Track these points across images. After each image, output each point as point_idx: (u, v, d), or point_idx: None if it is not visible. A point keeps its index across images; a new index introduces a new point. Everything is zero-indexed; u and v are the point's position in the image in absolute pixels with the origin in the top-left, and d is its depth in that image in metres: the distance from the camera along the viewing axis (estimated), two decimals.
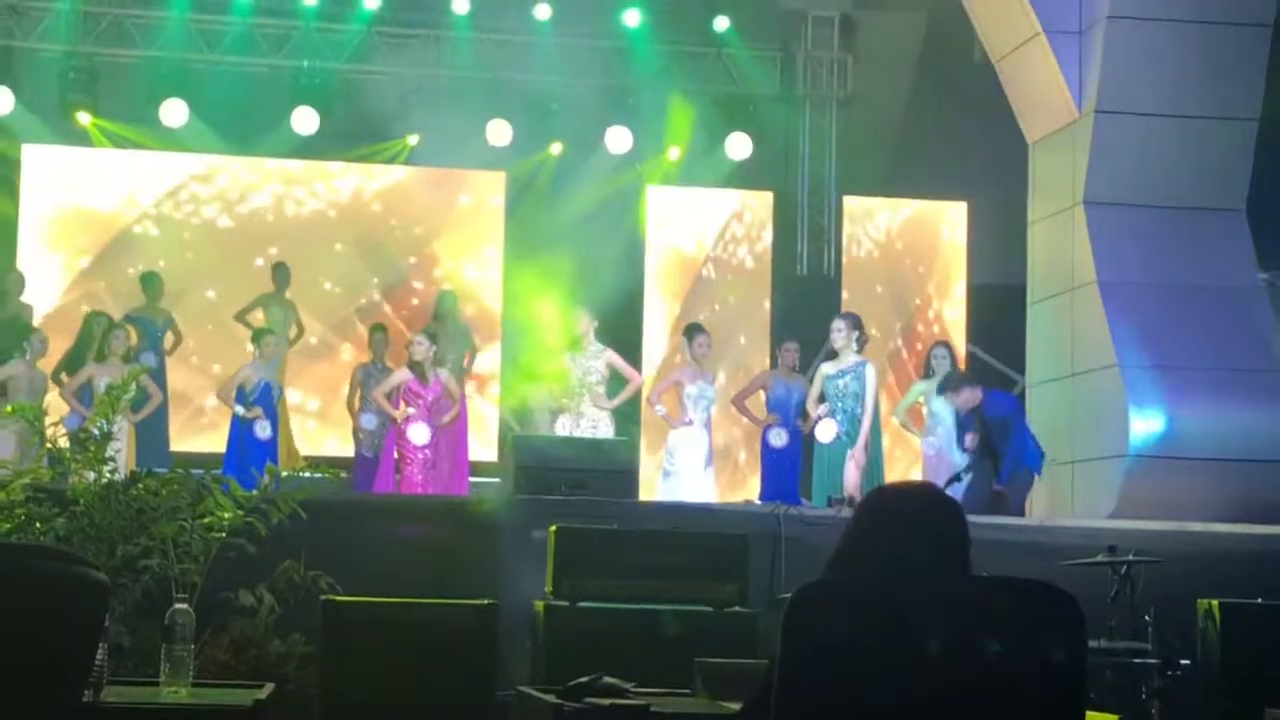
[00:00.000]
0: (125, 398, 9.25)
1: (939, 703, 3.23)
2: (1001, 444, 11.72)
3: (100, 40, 15.51)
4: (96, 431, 8.78)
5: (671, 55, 16.16)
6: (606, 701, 4.85)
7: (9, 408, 9.84)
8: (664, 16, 15.86)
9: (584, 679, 5.00)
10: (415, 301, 16.25)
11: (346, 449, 14.29)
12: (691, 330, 13.43)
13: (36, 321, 14.23)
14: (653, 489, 13.08)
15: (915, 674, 3.23)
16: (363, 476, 13.40)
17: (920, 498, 3.65)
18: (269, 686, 5.24)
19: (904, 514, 3.56)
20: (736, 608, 8.32)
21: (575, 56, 16.08)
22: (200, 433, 15.49)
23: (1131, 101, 12.41)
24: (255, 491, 8.88)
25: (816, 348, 14.19)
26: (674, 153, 16.24)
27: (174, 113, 15.36)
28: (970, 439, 11.95)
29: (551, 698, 5.06)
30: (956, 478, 8.89)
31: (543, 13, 15.81)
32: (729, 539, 8.59)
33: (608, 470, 9.96)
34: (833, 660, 3.24)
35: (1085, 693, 3.36)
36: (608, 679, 5.01)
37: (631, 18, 15.86)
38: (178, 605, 4.71)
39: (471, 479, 13.80)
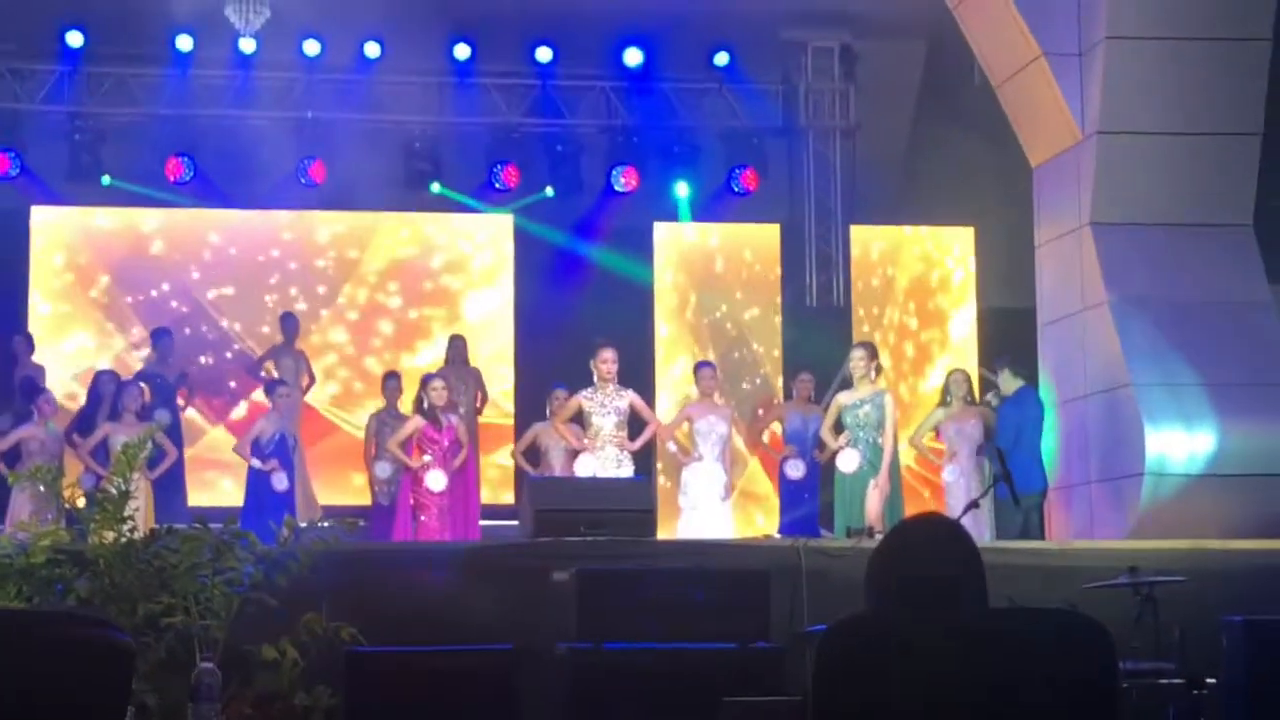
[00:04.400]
0: (141, 455, 9.30)
1: None
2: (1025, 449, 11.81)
3: (105, 100, 15.58)
4: (114, 490, 8.82)
5: (673, 92, 16.21)
6: None
7: (29, 469, 9.90)
8: (664, 54, 15.92)
9: None
10: (426, 347, 16.26)
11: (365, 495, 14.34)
12: (699, 365, 13.49)
13: (47, 383, 14.25)
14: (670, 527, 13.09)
15: (947, 707, 3.23)
16: (380, 525, 13.40)
17: (936, 529, 3.65)
18: None
19: (923, 546, 3.56)
20: (760, 643, 8.31)
21: (578, 97, 16.16)
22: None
23: (1134, 121, 12.41)
24: (275, 545, 8.92)
25: (829, 378, 14.21)
26: (680, 189, 16.26)
27: (180, 169, 15.42)
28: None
29: None
30: (975, 504, 8.88)
31: (544, 55, 15.87)
32: (750, 575, 8.60)
33: (625, 510, 9.95)
34: (866, 695, 3.24)
35: None
36: None
37: (632, 56, 15.92)
38: (203, 665, 4.72)
39: (483, 523, 13.81)
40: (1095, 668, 3.35)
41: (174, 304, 16.10)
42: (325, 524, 9.86)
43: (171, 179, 15.41)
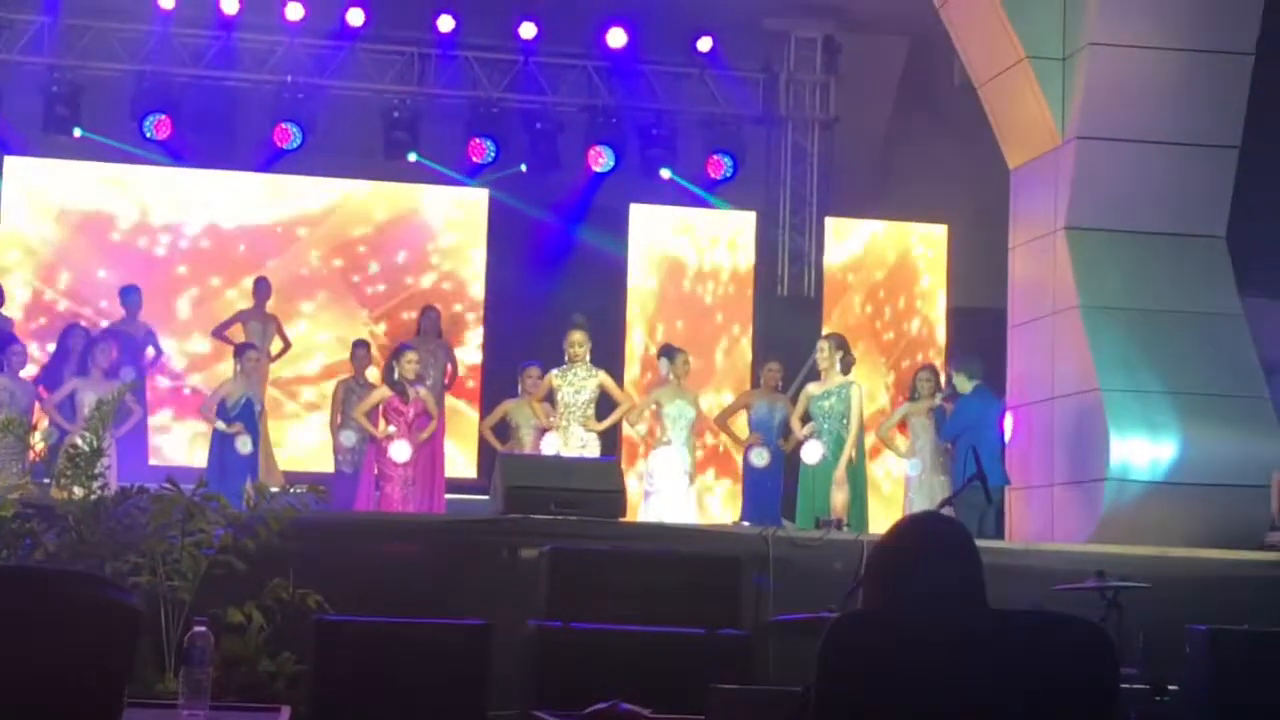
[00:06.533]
0: (114, 413, 9.28)
1: None
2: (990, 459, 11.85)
3: (84, 54, 15.44)
4: (87, 447, 8.80)
5: (655, 75, 16.20)
6: None
7: (1, 420, 9.85)
8: (648, 36, 15.89)
9: (602, 705, 5.02)
10: (398, 317, 16.25)
11: (327, 464, 14.32)
12: (669, 350, 13.49)
13: (16, 333, 14.17)
14: (633, 509, 13.10)
15: (952, 706, 3.26)
16: (342, 493, 13.37)
17: (940, 527, 3.69)
18: (286, 710, 5.25)
19: (927, 545, 3.59)
20: (728, 629, 8.35)
21: (559, 75, 16.13)
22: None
23: (1114, 128, 12.47)
24: (244, 509, 8.92)
25: (797, 368, 14.25)
26: (657, 172, 16.26)
27: (157, 127, 15.31)
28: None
29: None
30: (949, 501, 8.93)
31: (528, 31, 15.82)
32: (721, 561, 8.63)
33: (596, 490, 9.97)
34: (870, 690, 3.27)
35: None
36: (624, 705, 5.03)
37: (615, 37, 15.89)
38: (197, 629, 4.71)
39: (448, 496, 13.81)
40: (1099, 673, 3.39)
41: (143, 261, 16.03)
42: (295, 490, 9.84)
43: (156, 130, 15.26)
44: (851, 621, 3.40)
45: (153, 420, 14.83)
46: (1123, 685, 7.96)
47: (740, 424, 13.87)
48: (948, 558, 3.47)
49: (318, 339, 16.26)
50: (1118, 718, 3.38)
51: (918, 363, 14.58)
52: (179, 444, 15.73)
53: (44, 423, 12.93)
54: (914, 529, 3.61)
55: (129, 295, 14.70)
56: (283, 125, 15.45)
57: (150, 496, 8.78)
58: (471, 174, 16.15)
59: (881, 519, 13.23)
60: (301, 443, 15.96)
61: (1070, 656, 3.38)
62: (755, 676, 8.13)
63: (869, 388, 14.95)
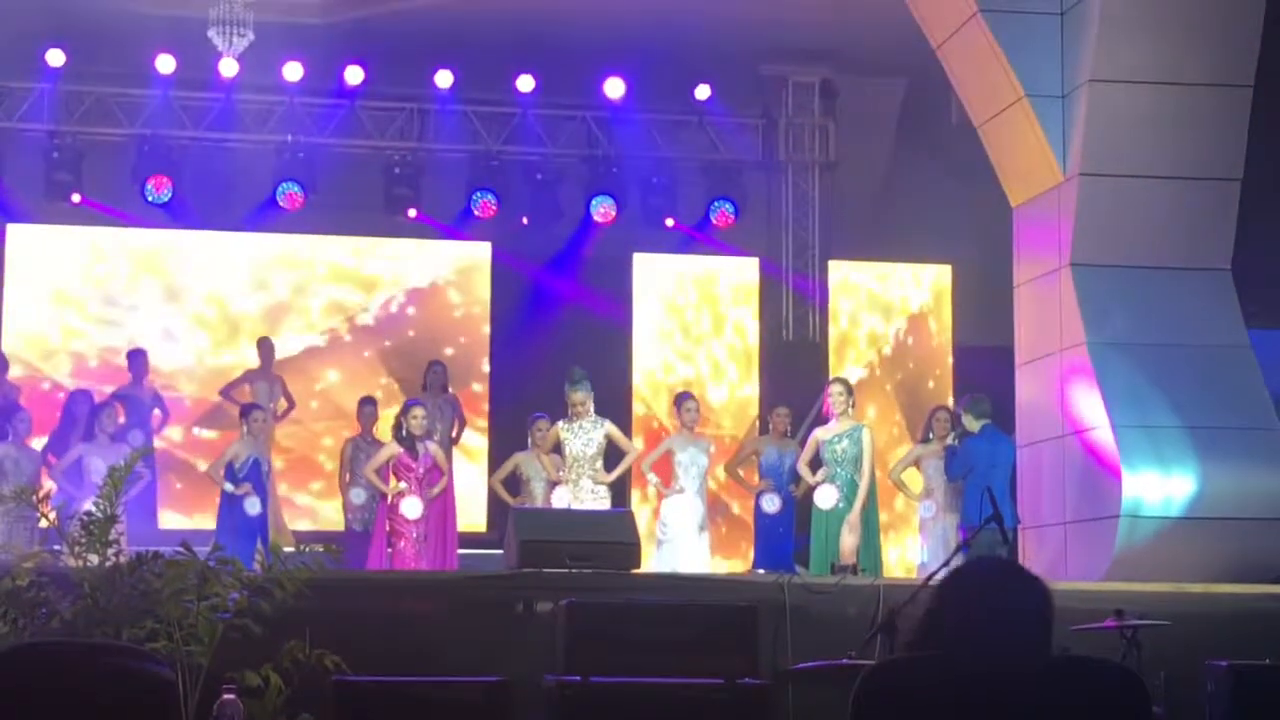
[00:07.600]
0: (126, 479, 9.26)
1: None
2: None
3: (84, 119, 15.52)
4: (100, 514, 8.77)
5: (654, 123, 16.25)
6: None
7: (13, 490, 9.84)
8: (646, 85, 15.95)
9: None
10: (403, 372, 16.24)
11: (337, 522, 14.31)
12: (680, 397, 13.48)
13: (22, 401, 14.16)
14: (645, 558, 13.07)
15: None
16: (354, 552, 13.33)
17: (1006, 572, 3.66)
18: None
19: (993, 592, 3.57)
20: (747, 679, 8.31)
21: (559, 127, 16.19)
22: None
23: (1116, 164, 12.47)
24: (259, 571, 8.88)
25: (804, 412, 14.25)
26: (658, 220, 16.29)
27: (158, 189, 15.36)
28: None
29: None
30: (965, 544, 8.90)
31: (526, 84, 15.89)
32: (739, 610, 8.60)
33: (611, 543, 9.94)
34: None
35: None
36: None
37: (614, 87, 15.95)
38: (226, 696, 4.69)
39: (461, 551, 13.78)
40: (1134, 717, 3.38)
41: (149, 325, 16.03)
42: (306, 549, 9.81)
43: (158, 192, 15.31)
44: (884, 669, 3.39)
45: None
46: None
47: (750, 470, 13.85)
48: (999, 605, 3.46)
49: (323, 396, 16.25)
50: None
51: (925, 404, 14.55)
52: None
53: (52, 489, 12.90)
54: (973, 573, 3.59)
55: (135, 358, 14.72)
56: (284, 185, 15.50)
57: (165, 561, 8.73)
58: (473, 227, 16.19)
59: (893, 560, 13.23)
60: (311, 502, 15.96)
61: (1105, 702, 3.36)
62: None
63: (876, 429, 14.93)
